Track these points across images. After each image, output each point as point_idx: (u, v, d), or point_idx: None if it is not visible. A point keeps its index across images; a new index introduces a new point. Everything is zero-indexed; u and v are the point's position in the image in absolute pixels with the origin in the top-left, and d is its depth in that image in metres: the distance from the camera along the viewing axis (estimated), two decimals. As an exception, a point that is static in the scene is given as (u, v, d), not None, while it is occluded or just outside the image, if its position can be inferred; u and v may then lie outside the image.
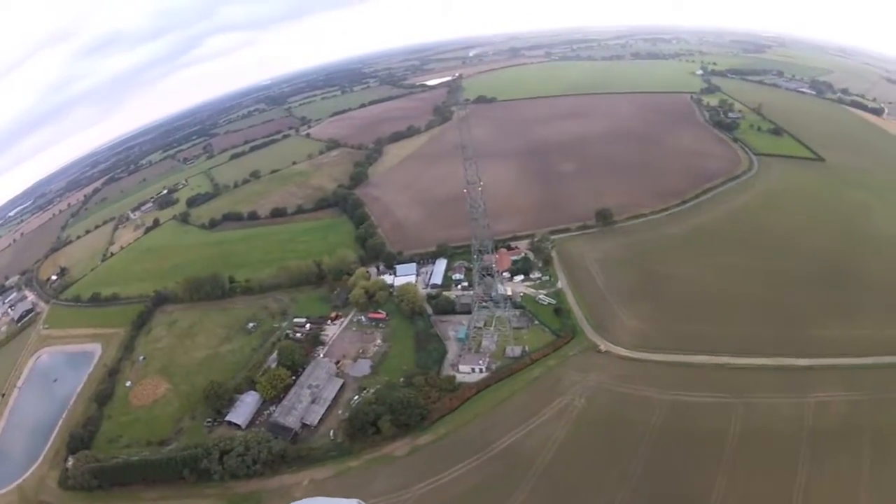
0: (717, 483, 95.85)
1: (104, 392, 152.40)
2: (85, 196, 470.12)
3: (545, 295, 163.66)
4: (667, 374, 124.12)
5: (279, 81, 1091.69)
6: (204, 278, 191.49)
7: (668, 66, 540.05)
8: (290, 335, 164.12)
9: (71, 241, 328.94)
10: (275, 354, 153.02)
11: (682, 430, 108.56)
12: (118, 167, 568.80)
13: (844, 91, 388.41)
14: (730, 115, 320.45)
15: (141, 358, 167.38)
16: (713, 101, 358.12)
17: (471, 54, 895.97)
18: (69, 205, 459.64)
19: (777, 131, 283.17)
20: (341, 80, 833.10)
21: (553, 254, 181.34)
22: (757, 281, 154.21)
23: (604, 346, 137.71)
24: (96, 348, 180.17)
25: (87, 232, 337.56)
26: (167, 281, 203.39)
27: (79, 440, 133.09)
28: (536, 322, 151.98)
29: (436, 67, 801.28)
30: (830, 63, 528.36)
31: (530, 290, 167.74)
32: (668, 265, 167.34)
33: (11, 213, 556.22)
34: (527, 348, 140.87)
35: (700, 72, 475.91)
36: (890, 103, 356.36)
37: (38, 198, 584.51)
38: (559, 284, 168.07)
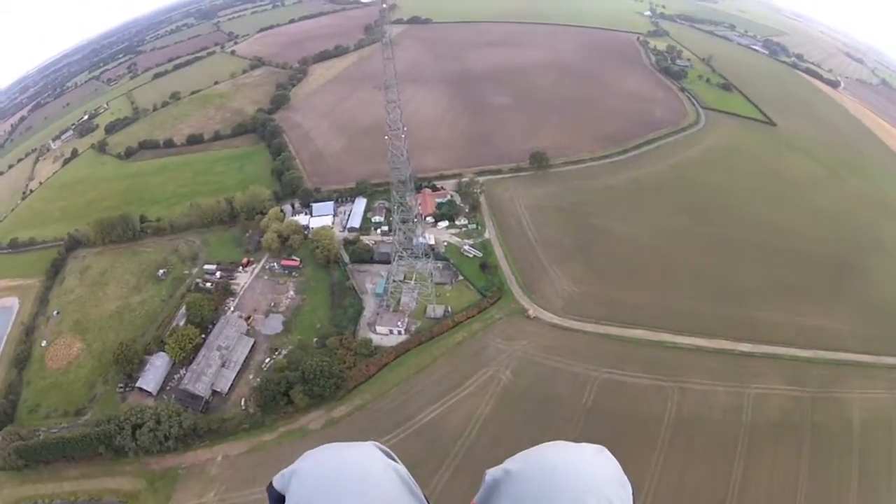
0: (652, 470, 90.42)
1: (22, 355, 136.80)
2: (12, 126, 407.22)
3: (471, 246, 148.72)
4: (599, 348, 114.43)
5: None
6: (115, 219, 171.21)
7: (613, 2, 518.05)
8: (200, 284, 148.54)
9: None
10: (183, 309, 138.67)
11: (614, 411, 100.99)
12: (45, 92, 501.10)
13: (799, 56, 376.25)
14: (678, 62, 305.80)
15: (55, 312, 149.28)
16: (661, 45, 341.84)
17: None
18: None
19: (727, 86, 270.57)
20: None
21: (482, 199, 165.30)
22: (701, 249, 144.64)
23: (533, 310, 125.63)
24: (14, 303, 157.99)
25: (11, 167, 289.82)
26: (82, 221, 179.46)
27: (2, 413, 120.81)
28: (461, 278, 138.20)
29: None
30: (785, 25, 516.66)
31: (455, 239, 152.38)
32: (607, 221, 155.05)
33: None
34: (449, 309, 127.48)
35: (648, 13, 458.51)
36: (847, 78, 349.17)
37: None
38: (487, 234, 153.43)
